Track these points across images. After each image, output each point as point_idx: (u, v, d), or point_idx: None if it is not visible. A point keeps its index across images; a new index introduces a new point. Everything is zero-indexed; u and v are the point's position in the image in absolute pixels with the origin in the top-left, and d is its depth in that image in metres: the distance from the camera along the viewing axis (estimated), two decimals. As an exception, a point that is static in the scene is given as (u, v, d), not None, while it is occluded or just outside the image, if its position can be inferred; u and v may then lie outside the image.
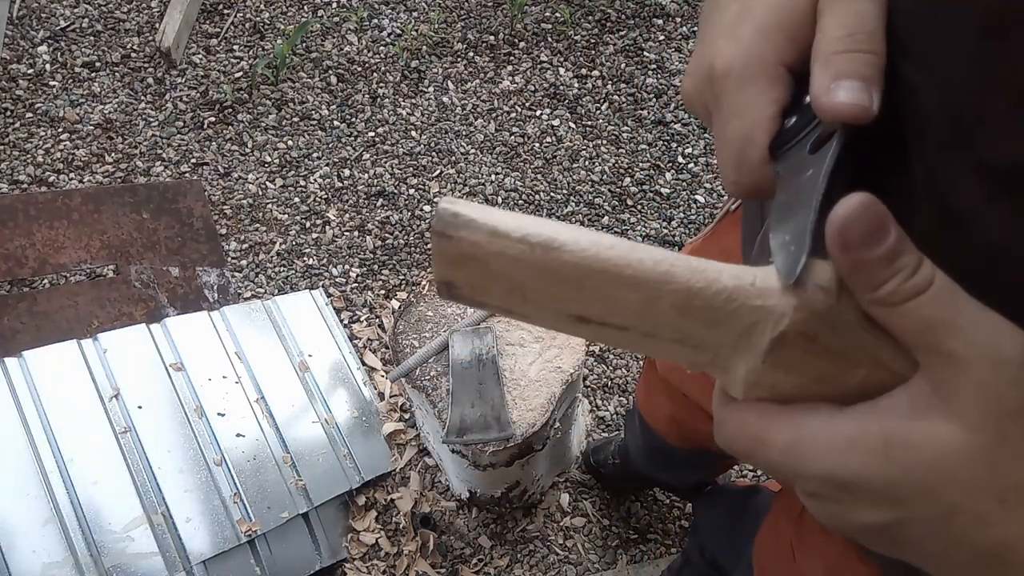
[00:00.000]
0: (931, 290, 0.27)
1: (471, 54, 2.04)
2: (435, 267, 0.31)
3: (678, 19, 2.14)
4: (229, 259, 1.70)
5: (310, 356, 1.54)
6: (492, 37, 2.07)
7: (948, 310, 0.27)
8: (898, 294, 0.27)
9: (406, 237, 1.77)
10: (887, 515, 0.28)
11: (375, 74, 1.98)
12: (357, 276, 1.72)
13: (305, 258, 1.72)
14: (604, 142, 1.94)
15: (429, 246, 1.76)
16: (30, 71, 1.85)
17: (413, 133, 1.90)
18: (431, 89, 1.97)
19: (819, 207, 0.29)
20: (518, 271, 0.29)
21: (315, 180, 1.82)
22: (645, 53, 2.08)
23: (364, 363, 1.60)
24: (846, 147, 0.30)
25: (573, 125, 1.96)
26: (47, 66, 1.86)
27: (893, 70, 0.32)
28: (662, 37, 2.11)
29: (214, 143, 1.83)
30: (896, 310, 0.27)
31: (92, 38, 1.93)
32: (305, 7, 2.05)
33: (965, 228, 0.31)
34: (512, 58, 2.04)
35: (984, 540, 0.27)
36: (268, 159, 1.83)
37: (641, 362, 1.56)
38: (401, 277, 1.73)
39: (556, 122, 1.96)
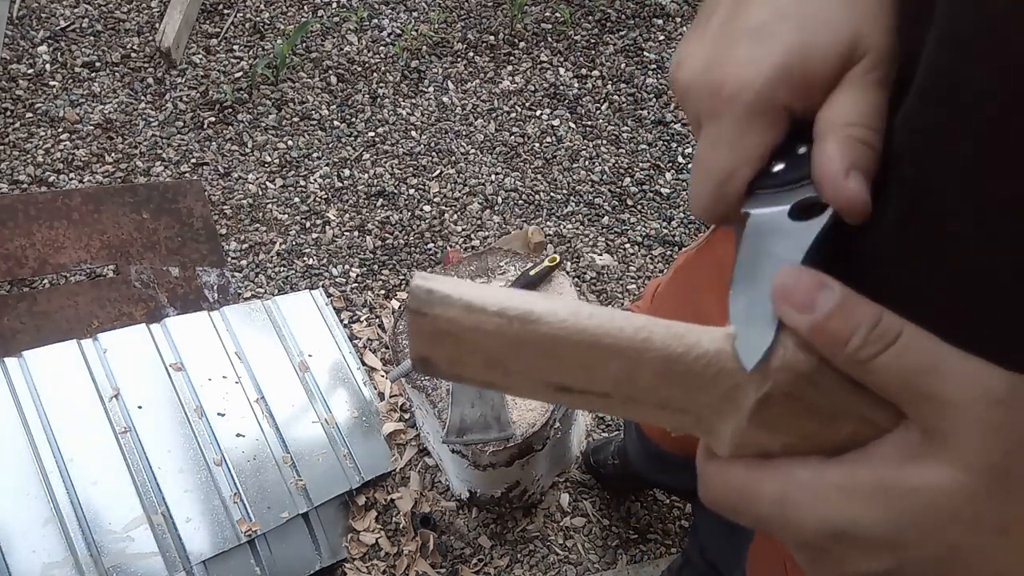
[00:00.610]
0: (901, 340, 0.26)
1: (471, 54, 2.04)
2: (411, 344, 0.30)
3: (678, 19, 2.14)
4: (229, 259, 1.70)
5: (310, 356, 1.54)
6: (492, 37, 2.07)
7: (926, 357, 0.26)
8: (867, 347, 0.26)
9: (406, 237, 1.77)
10: (887, 561, 0.28)
11: (375, 74, 1.98)
12: (357, 276, 1.72)
13: (305, 258, 1.72)
14: (604, 142, 1.94)
15: (430, 249, 1.76)
16: (30, 71, 1.85)
17: (413, 133, 1.90)
18: (431, 89, 1.97)
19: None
20: (496, 345, 0.29)
21: (315, 180, 1.82)
22: (645, 53, 2.08)
23: (364, 363, 1.60)
24: (832, 226, 0.30)
25: (573, 125, 1.96)
26: (47, 66, 1.86)
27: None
28: (662, 37, 2.11)
29: (214, 143, 1.83)
30: (870, 366, 0.27)
31: (92, 38, 1.93)
32: (305, 7, 2.05)
33: (955, 257, 0.30)
34: (512, 58, 2.04)
35: (987, 571, 0.27)
36: (268, 159, 1.83)
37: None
38: (401, 277, 1.73)
39: (556, 122, 1.96)
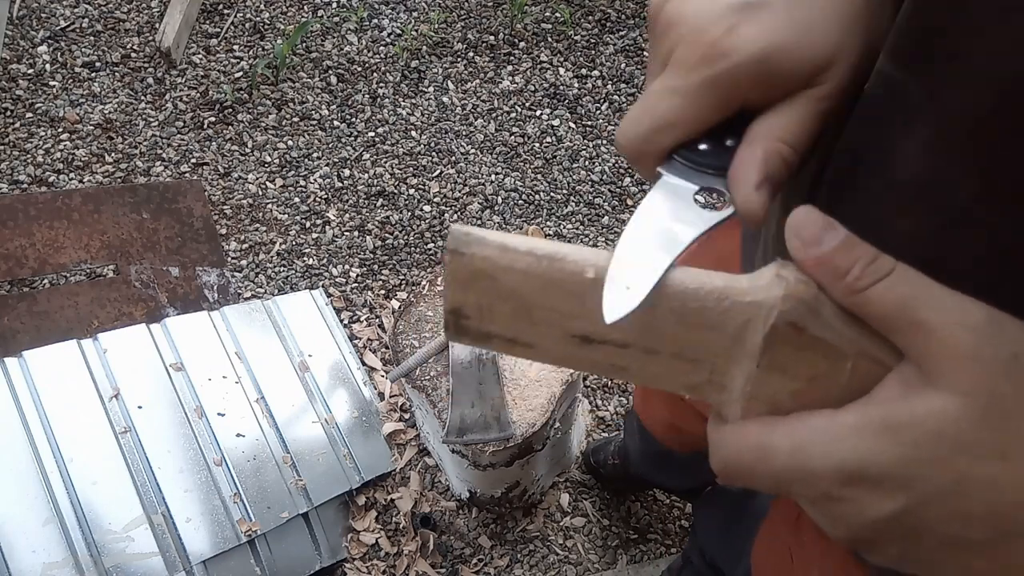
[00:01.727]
0: (895, 273, 0.29)
1: (471, 54, 2.04)
2: (446, 290, 0.32)
3: (678, 19, 2.14)
4: (229, 259, 1.70)
5: (310, 356, 1.54)
6: (492, 37, 2.07)
7: (916, 287, 0.29)
8: (864, 277, 0.29)
9: (406, 237, 1.77)
10: (901, 500, 0.28)
11: (375, 74, 1.98)
12: (357, 276, 1.72)
13: (305, 258, 1.72)
14: (604, 142, 1.94)
15: (430, 249, 1.76)
16: (30, 71, 1.85)
17: (413, 133, 1.90)
18: (431, 89, 1.97)
19: (673, 262, 0.31)
20: (526, 285, 0.31)
21: (315, 180, 1.82)
22: (645, 53, 2.08)
23: (364, 363, 1.60)
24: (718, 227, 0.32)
25: (573, 125, 1.96)
26: (47, 66, 1.86)
27: (881, 69, 0.32)
28: (662, 37, 2.11)
29: (214, 143, 1.83)
30: (867, 295, 0.29)
31: (92, 38, 1.93)
32: (305, 7, 2.05)
33: (961, 224, 0.31)
34: (512, 58, 2.04)
35: (998, 505, 0.28)
36: (268, 159, 1.83)
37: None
38: (401, 277, 1.73)
39: (556, 122, 1.96)
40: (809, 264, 0.30)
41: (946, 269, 0.30)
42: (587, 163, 1.91)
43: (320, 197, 1.80)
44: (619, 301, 0.30)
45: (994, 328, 0.28)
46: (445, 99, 1.96)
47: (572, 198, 1.86)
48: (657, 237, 0.32)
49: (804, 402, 0.31)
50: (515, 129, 1.94)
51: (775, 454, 0.30)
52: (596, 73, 2.04)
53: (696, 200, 0.33)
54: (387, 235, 1.77)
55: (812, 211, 0.30)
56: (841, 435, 0.29)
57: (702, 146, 0.34)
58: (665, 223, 0.33)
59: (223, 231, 1.73)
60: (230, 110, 1.87)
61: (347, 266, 1.73)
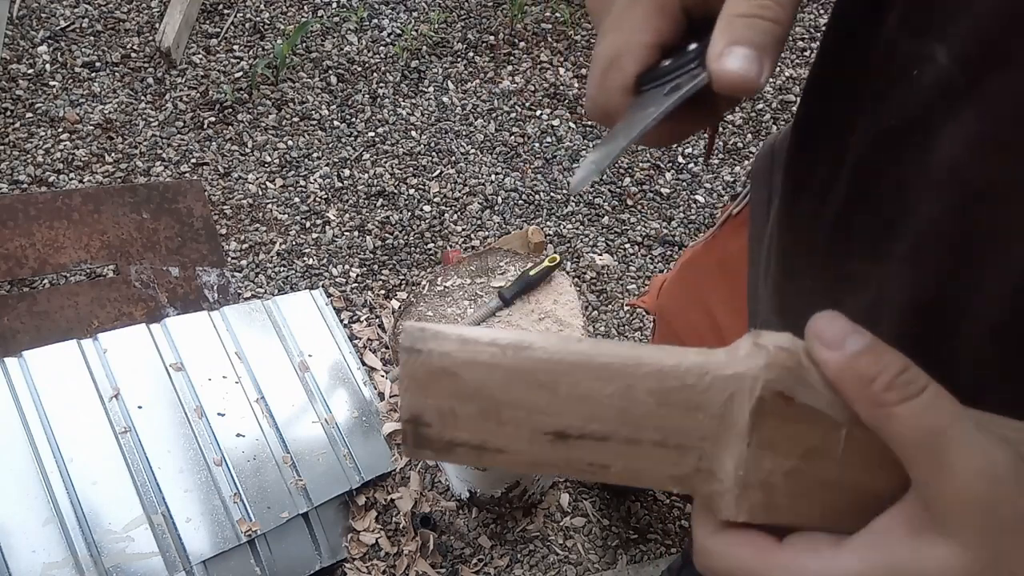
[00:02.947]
0: (927, 393, 0.26)
1: (471, 54, 2.04)
2: (403, 397, 0.29)
3: (678, 19, 2.14)
4: (229, 259, 1.70)
5: (310, 356, 1.54)
6: (492, 37, 2.07)
7: (946, 418, 0.26)
8: (894, 390, 0.26)
9: (406, 237, 1.77)
10: None
11: (375, 74, 1.98)
12: (357, 276, 1.72)
13: (305, 258, 1.72)
14: (604, 142, 1.94)
15: (430, 249, 1.76)
16: (30, 71, 1.85)
17: (413, 133, 1.90)
18: (431, 89, 1.97)
19: (634, 138, 0.29)
20: (491, 380, 0.28)
21: (315, 180, 1.82)
22: (645, 53, 2.08)
23: (364, 363, 1.60)
24: (694, 94, 0.30)
25: (573, 125, 1.96)
26: (47, 66, 1.86)
27: (919, 49, 0.31)
28: (662, 37, 2.11)
29: (214, 143, 1.83)
30: (893, 412, 0.26)
31: (92, 38, 1.93)
32: (305, 7, 2.05)
33: (997, 205, 0.31)
34: (512, 58, 2.04)
35: None
36: (268, 159, 1.83)
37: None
38: (401, 277, 1.73)
39: (556, 122, 1.96)
40: (834, 368, 0.27)
41: (973, 252, 0.29)
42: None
43: (320, 197, 1.80)
44: (584, 174, 0.29)
45: (1017, 481, 0.26)
46: (445, 99, 1.96)
47: (572, 198, 1.86)
48: (624, 127, 0.31)
49: (801, 485, 0.29)
50: (515, 129, 1.94)
51: None
52: (596, 73, 2.04)
53: (666, 95, 0.31)
54: (387, 235, 1.77)
55: (837, 316, 0.28)
56: None
57: (665, 63, 0.32)
58: (632, 117, 0.31)
59: (223, 231, 1.73)
60: (230, 110, 1.87)
61: (347, 266, 1.73)
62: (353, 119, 1.91)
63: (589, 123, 1.96)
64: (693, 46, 0.31)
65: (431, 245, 1.77)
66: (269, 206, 1.77)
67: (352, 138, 1.88)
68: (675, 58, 0.32)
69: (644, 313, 1.71)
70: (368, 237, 1.76)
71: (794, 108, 2.03)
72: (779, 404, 0.28)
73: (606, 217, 1.84)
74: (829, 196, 0.39)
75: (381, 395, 1.57)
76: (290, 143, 1.86)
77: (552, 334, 0.30)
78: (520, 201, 1.85)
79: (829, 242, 0.40)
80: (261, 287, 1.68)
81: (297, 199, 1.79)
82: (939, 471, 0.26)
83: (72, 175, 1.74)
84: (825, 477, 0.29)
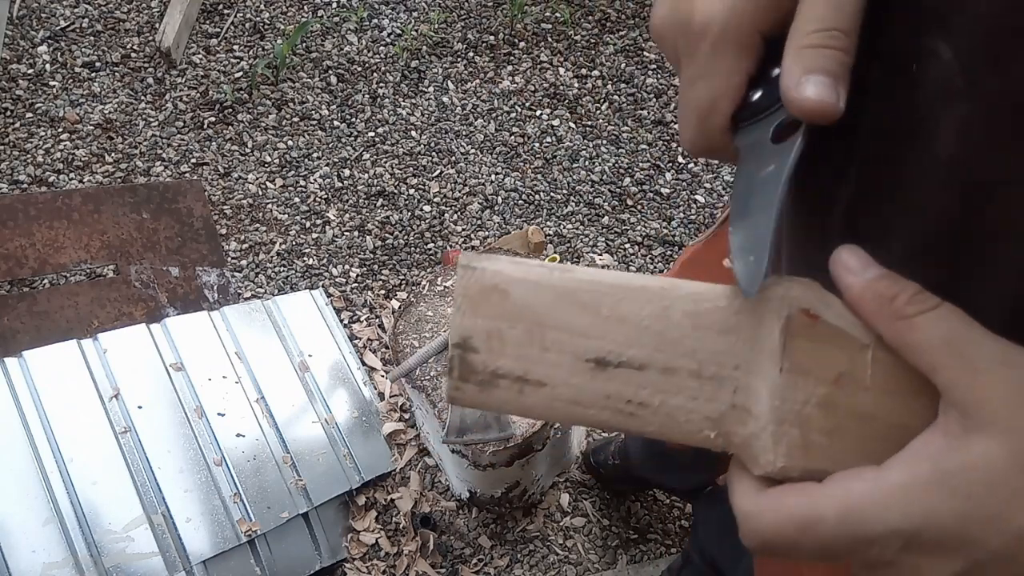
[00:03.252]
0: (942, 307, 0.28)
1: (471, 54, 2.04)
2: (454, 318, 0.31)
3: (678, 19, 2.14)
4: (229, 259, 1.70)
5: (310, 356, 1.54)
6: (492, 37, 2.07)
7: (963, 323, 0.28)
8: (912, 305, 0.28)
9: (406, 237, 1.77)
10: (959, 563, 0.27)
11: (375, 74, 1.98)
12: (357, 276, 1.72)
13: (305, 258, 1.72)
14: (604, 142, 1.94)
15: (430, 249, 1.76)
16: (30, 71, 1.85)
17: (413, 133, 1.90)
18: (431, 89, 1.97)
19: (778, 215, 0.30)
20: (538, 299, 0.30)
21: (315, 180, 1.82)
22: (645, 53, 2.08)
23: (364, 363, 1.60)
24: (809, 143, 0.31)
25: (573, 125, 1.96)
26: (47, 66, 1.86)
27: (922, 44, 0.32)
28: (662, 37, 2.11)
29: (214, 143, 1.83)
30: (914, 322, 0.28)
31: (92, 38, 1.93)
32: (305, 7, 2.05)
33: (998, 202, 0.31)
34: (512, 58, 2.04)
35: None
36: (268, 159, 1.83)
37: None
38: (401, 277, 1.73)
39: (556, 122, 1.96)
40: (857, 288, 0.29)
41: (978, 247, 0.30)
42: (587, 163, 1.91)
43: (320, 197, 1.80)
44: (748, 270, 0.30)
45: None
46: (445, 99, 1.96)
47: (572, 198, 1.86)
48: (755, 195, 0.31)
49: (835, 417, 0.29)
50: (515, 129, 1.94)
51: (822, 523, 0.28)
52: (596, 73, 2.04)
53: (772, 143, 0.32)
54: (387, 235, 1.77)
55: (857, 248, 0.30)
56: (891, 496, 0.27)
57: (755, 95, 0.33)
58: (757, 184, 0.32)
59: (223, 231, 1.73)
60: (230, 110, 1.87)
61: (347, 266, 1.73)
62: (353, 119, 1.91)
63: (589, 123, 1.96)
64: (776, 72, 0.32)
65: (431, 245, 1.77)
66: (269, 206, 1.77)
67: (352, 138, 1.88)
68: (763, 89, 0.33)
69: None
70: (368, 237, 1.76)
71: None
72: (806, 323, 0.29)
73: (606, 217, 1.84)
74: (834, 194, 0.39)
75: (381, 395, 1.57)
76: (290, 143, 1.86)
77: (592, 268, 0.31)
78: (520, 201, 1.85)
79: (834, 240, 0.40)
80: (261, 287, 1.68)
81: (297, 199, 1.79)
82: (964, 368, 0.27)
83: (72, 175, 1.74)
84: (858, 408, 0.30)
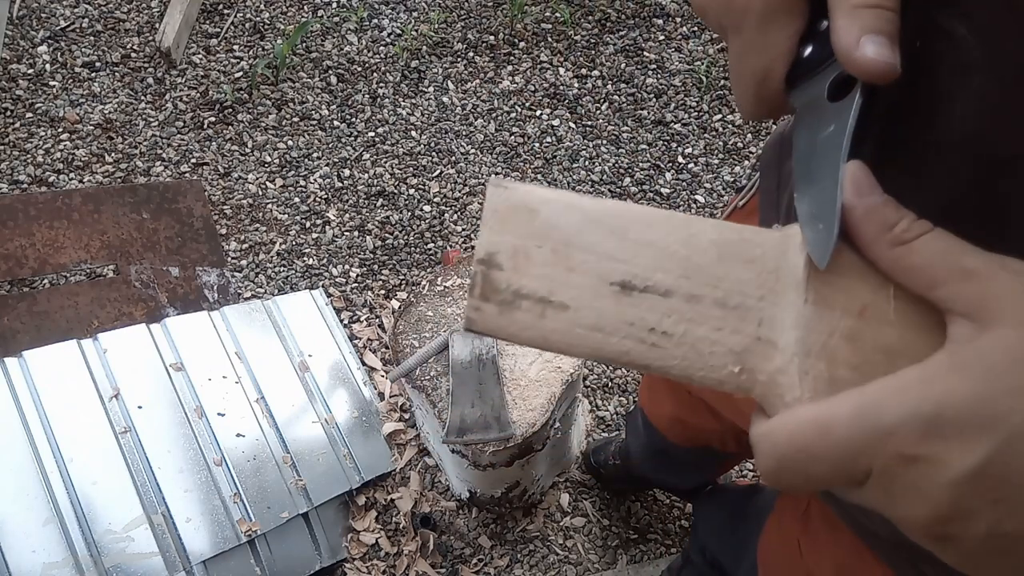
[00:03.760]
0: (936, 231, 0.29)
1: (471, 54, 2.04)
2: (482, 233, 0.30)
3: (678, 19, 2.14)
4: (229, 259, 1.70)
5: (310, 356, 1.54)
6: (492, 37, 2.07)
7: (956, 242, 0.29)
8: (912, 230, 0.29)
9: (406, 237, 1.77)
10: (986, 445, 0.25)
11: (375, 74, 1.98)
12: (357, 276, 1.72)
13: (305, 258, 1.72)
14: (604, 142, 1.94)
15: (430, 249, 1.76)
16: (30, 71, 1.85)
17: (413, 133, 1.90)
18: (431, 89, 1.97)
19: (843, 179, 0.30)
20: (566, 221, 0.30)
21: (315, 180, 1.82)
22: (645, 53, 2.08)
23: (364, 363, 1.60)
24: (867, 100, 0.31)
25: (573, 125, 1.96)
26: (47, 66, 1.86)
27: (934, 22, 0.32)
28: (662, 37, 2.11)
29: (214, 143, 1.83)
30: (913, 245, 0.29)
31: (92, 38, 1.93)
32: (305, 7, 2.05)
33: (1017, 177, 0.31)
34: (512, 58, 2.04)
35: None
36: (268, 159, 1.83)
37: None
38: (401, 277, 1.73)
39: (556, 122, 1.96)
40: (861, 211, 0.30)
41: (989, 225, 0.30)
42: (587, 163, 1.91)
43: (320, 197, 1.80)
44: (819, 238, 0.30)
45: None
46: (445, 99, 1.96)
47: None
48: (816, 162, 0.31)
49: (861, 351, 0.29)
50: (515, 129, 1.94)
51: (836, 422, 0.27)
52: (596, 73, 2.04)
53: (829, 101, 0.32)
54: (387, 235, 1.77)
55: (865, 167, 0.30)
56: (907, 385, 0.27)
57: (806, 52, 0.33)
58: (818, 147, 0.32)
59: (223, 231, 1.73)
60: (230, 110, 1.87)
61: (347, 266, 1.73)
62: (353, 119, 1.91)
63: (589, 123, 1.96)
64: (824, 24, 0.31)
65: (431, 245, 1.77)
66: (269, 206, 1.77)
67: (352, 138, 1.88)
68: (814, 44, 0.33)
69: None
70: (368, 237, 1.76)
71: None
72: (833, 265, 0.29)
73: (606, 217, 1.84)
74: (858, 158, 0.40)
75: (381, 395, 1.57)
76: (290, 143, 1.86)
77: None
78: (520, 201, 1.84)
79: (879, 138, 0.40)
80: (261, 287, 1.68)
81: (297, 199, 1.79)
82: (964, 277, 0.28)
83: (72, 175, 1.74)
84: (884, 341, 0.29)
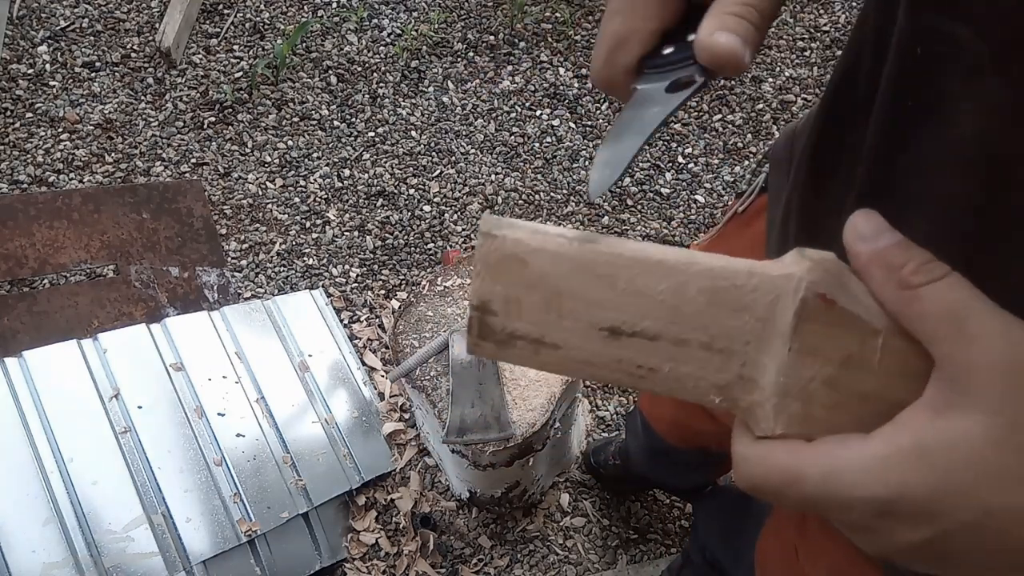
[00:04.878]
0: (950, 277, 0.28)
1: (471, 54, 2.04)
2: (474, 282, 0.32)
3: (678, 19, 2.14)
4: (229, 259, 1.70)
5: (310, 356, 1.54)
6: (492, 37, 2.07)
7: (968, 295, 0.28)
8: (918, 275, 0.28)
9: (406, 237, 1.77)
10: (928, 531, 0.28)
11: (375, 74, 1.98)
12: (357, 276, 1.72)
13: (305, 258, 1.72)
14: (604, 142, 1.94)
15: (430, 249, 1.76)
16: (30, 71, 1.85)
17: (413, 133, 1.90)
18: (431, 89, 1.97)
19: (644, 143, 0.32)
20: (556, 269, 0.31)
21: (315, 180, 1.82)
22: (645, 53, 2.08)
23: (364, 363, 1.60)
24: (693, 95, 0.34)
25: (573, 125, 1.96)
26: (47, 66, 1.86)
27: (933, 27, 0.32)
28: (662, 37, 2.11)
29: (214, 143, 1.83)
30: (919, 292, 0.28)
31: (92, 38, 1.93)
32: (305, 7, 2.05)
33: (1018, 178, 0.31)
34: (512, 58, 2.04)
35: (1019, 540, 0.27)
36: (268, 159, 1.83)
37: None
38: (401, 277, 1.73)
39: (556, 122, 1.96)
40: (865, 257, 0.30)
41: (994, 229, 0.30)
42: (587, 163, 1.91)
43: (320, 197, 1.80)
44: (601, 177, 0.32)
45: None
46: (445, 99, 1.96)
47: (572, 198, 1.86)
48: (632, 125, 0.34)
49: (838, 395, 0.30)
50: (515, 129, 1.94)
51: (805, 480, 0.29)
52: (596, 73, 2.04)
53: (666, 92, 0.34)
54: (387, 235, 1.77)
55: (872, 213, 0.30)
56: (871, 466, 0.28)
57: (666, 50, 0.35)
58: (638, 115, 0.34)
59: (223, 231, 1.73)
60: (230, 110, 1.87)
61: (347, 266, 1.73)
62: (353, 119, 1.91)
63: (589, 123, 1.96)
64: (692, 37, 0.34)
65: (431, 245, 1.77)
66: (269, 206, 1.77)
67: (352, 138, 1.88)
68: (676, 47, 0.35)
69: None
70: (368, 237, 1.76)
71: (794, 108, 2.03)
72: (821, 307, 0.29)
73: (606, 217, 1.84)
74: (849, 181, 0.40)
75: (381, 395, 1.57)
76: (290, 143, 1.86)
77: (613, 237, 0.32)
78: (520, 201, 1.85)
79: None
80: (261, 287, 1.68)
81: (297, 199, 1.79)
82: (961, 339, 0.27)
83: (72, 175, 1.74)
84: (862, 388, 0.30)
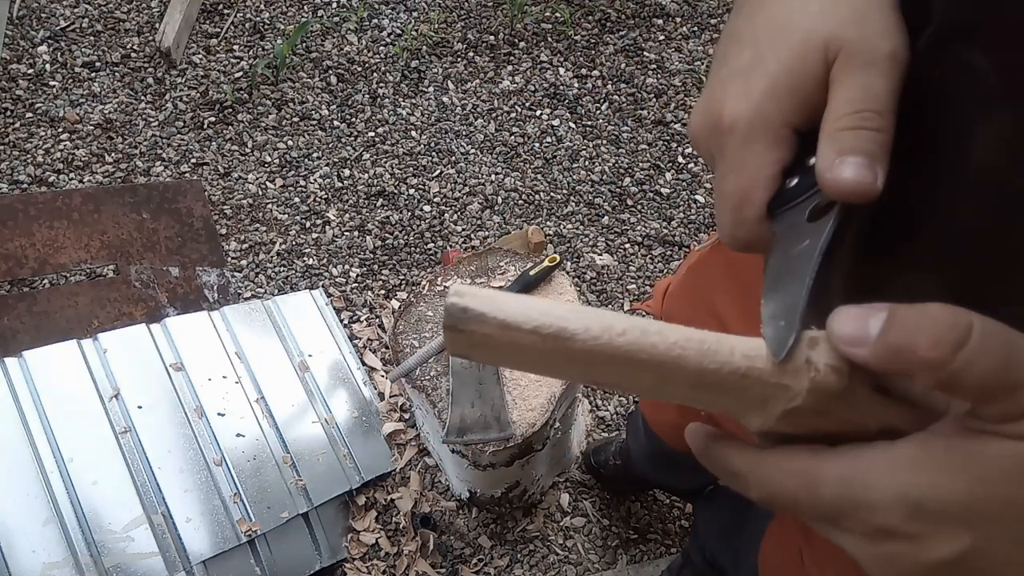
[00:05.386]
0: (976, 331, 0.25)
1: (471, 54, 2.04)
2: (449, 348, 0.31)
3: (678, 19, 2.14)
4: (229, 259, 1.70)
5: (310, 356, 1.54)
6: (492, 37, 2.07)
7: (1005, 345, 0.25)
8: (940, 347, 0.25)
9: (406, 237, 1.77)
10: (966, 540, 0.26)
11: (375, 74, 1.98)
12: (357, 276, 1.72)
13: (305, 258, 1.72)
14: (604, 142, 1.94)
15: (430, 249, 1.76)
16: (30, 71, 1.85)
17: (413, 133, 1.90)
18: (431, 89, 1.97)
19: (811, 285, 0.29)
20: (528, 357, 0.30)
21: (315, 180, 1.82)
22: (645, 53, 2.08)
23: (364, 363, 1.60)
24: (845, 220, 0.31)
25: (573, 125, 1.96)
26: (47, 66, 1.86)
27: (954, 54, 0.32)
28: (662, 37, 2.11)
29: (214, 143, 1.83)
30: (954, 370, 0.25)
31: (92, 38, 1.92)
32: (305, 7, 2.05)
33: None
34: (512, 58, 2.04)
35: None
36: (268, 159, 1.83)
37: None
38: (401, 277, 1.73)
39: (556, 122, 1.96)
40: (873, 362, 0.26)
41: (1014, 257, 0.30)
42: (587, 163, 1.91)
43: (320, 197, 1.80)
44: (778, 335, 0.28)
45: None
46: (445, 99, 1.96)
47: (572, 198, 1.86)
48: (789, 269, 0.31)
49: (826, 428, 0.30)
50: (515, 129, 1.94)
51: (822, 483, 0.27)
52: (596, 73, 2.04)
53: (808, 222, 0.32)
54: (387, 235, 1.77)
55: (847, 311, 0.27)
56: (899, 465, 0.26)
57: (791, 183, 0.34)
58: (790, 257, 0.32)
59: (223, 231, 1.73)
60: (230, 110, 1.87)
61: (347, 266, 1.73)
62: (353, 119, 1.91)
63: (589, 123, 1.96)
64: (813, 160, 0.32)
65: (431, 245, 1.77)
66: (269, 206, 1.77)
67: (352, 138, 1.88)
68: (800, 176, 0.33)
69: (645, 315, 1.71)
70: (368, 237, 1.76)
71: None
72: (812, 412, 0.29)
73: (606, 217, 1.84)
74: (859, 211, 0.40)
75: (381, 395, 1.57)
76: (290, 143, 1.86)
77: (594, 319, 0.29)
78: (520, 201, 1.85)
79: (856, 250, 0.40)
80: (261, 287, 1.68)
81: (297, 199, 1.79)
82: (1016, 393, 0.25)
83: (72, 175, 1.74)
84: (848, 424, 0.29)
